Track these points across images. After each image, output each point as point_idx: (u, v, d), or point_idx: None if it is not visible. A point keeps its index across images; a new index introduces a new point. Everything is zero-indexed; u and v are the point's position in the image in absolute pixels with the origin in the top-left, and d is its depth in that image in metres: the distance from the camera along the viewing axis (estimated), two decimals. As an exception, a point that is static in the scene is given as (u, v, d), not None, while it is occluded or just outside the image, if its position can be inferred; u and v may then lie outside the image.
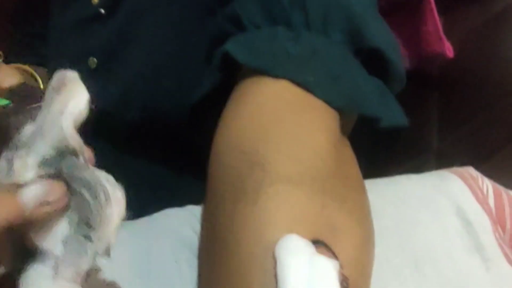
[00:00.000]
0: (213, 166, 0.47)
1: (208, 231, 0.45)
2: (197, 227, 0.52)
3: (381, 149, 0.61)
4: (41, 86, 0.73)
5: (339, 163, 0.46)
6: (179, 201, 0.57)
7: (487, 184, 0.59)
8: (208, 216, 0.46)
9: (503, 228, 0.59)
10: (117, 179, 0.38)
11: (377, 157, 0.60)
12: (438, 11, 0.69)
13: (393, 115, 0.51)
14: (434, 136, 0.77)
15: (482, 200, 0.56)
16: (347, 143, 0.50)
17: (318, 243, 0.40)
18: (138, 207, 0.55)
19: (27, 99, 0.63)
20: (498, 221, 0.58)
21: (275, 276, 0.38)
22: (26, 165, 0.35)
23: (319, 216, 0.41)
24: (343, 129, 0.49)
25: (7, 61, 0.73)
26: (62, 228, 0.36)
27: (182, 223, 0.54)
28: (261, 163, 0.42)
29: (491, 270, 0.50)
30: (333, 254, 0.40)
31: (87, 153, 0.38)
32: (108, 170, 0.38)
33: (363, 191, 0.48)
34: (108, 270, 0.44)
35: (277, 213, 0.41)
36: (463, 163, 0.61)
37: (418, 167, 0.78)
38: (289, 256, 0.38)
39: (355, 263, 0.41)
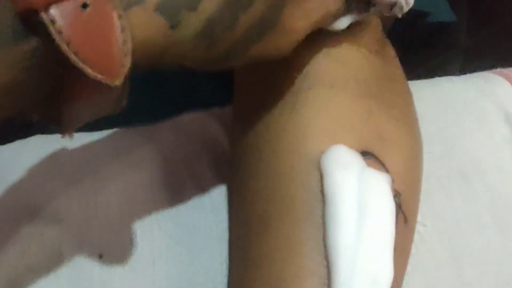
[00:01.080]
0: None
1: (239, 140, 0.40)
2: (222, 132, 0.47)
3: (406, 46, 0.56)
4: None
5: (383, 63, 0.41)
6: (202, 104, 0.51)
7: (532, 86, 0.54)
8: (238, 122, 0.41)
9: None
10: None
11: (402, 54, 0.54)
12: None
13: (440, 10, 0.46)
14: (462, 34, 0.72)
15: (530, 105, 0.51)
16: (387, 42, 0.44)
17: (368, 155, 0.35)
18: (156, 111, 0.50)
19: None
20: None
21: (322, 192, 0.33)
22: None
23: (366, 124, 0.36)
24: (384, 27, 0.43)
25: None
26: None
27: (206, 126, 0.48)
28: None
29: (543, 183, 0.46)
30: (384, 167, 0.35)
31: None
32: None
33: (409, 95, 0.43)
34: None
35: (319, 120, 0.36)
36: (490, 63, 0.56)
37: (443, 65, 0.74)
38: (338, 170, 0.33)
39: (406, 177, 0.37)
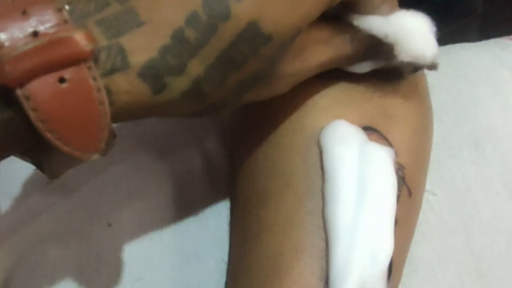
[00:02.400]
0: None
1: (240, 118, 0.40)
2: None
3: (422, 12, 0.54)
4: None
5: None
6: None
7: (550, 53, 0.52)
8: None
9: None
10: None
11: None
12: None
13: None
14: (479, 0, 0.70)
15: (546, 72, 0.50)
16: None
17: (370, 130, 0.35)
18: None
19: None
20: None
21: (321, 168, 0.33)
22: None
23: (370, 101, 0.36)
24: None
25: None
26: None
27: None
28: None
29: (558, 150, 0.45)
30: (387, 142, 0.35)
31: None
32: None
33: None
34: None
35: (320, 97, 0.35)
36: (506, 29, 0.54)
37: (460, 31, 0.72)
38: (337, 145, 0.33)
39: (411, 150, 0.36)
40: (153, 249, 0.39)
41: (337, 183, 0.31)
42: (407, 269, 0.37)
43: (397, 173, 0.33)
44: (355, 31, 0.32)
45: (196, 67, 0.26)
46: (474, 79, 0.48)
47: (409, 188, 0.33)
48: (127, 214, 0.41)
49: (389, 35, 0.32)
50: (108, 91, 0.25)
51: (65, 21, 0.24)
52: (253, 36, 0.26)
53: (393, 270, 0.31)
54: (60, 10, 0.24)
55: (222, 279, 0.38)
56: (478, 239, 0.40)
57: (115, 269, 0.39)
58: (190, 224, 0.40)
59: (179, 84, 0.26)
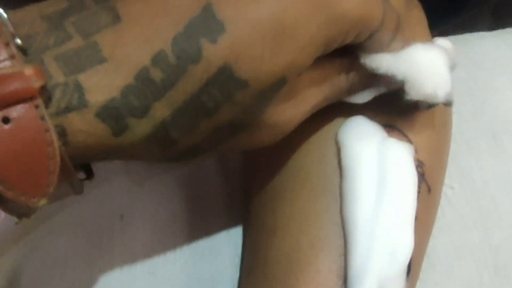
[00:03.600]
0: None
1: None
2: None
3: (434, 1, 0.53)
4: None
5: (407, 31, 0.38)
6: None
7: None
8: None
9: None
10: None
11: (430, 10, 0.52)
12: None
13: None
14: (494, -12, 0.69)
15: None
16: (416, 3, 0.42)
17: (389, 127, 0.34)
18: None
19: None
20: None
21: (339, 165, 0.32)
22: None
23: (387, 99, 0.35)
24: None
25: None
26: None
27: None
28: None
29: None
30: (407, 138, 0.34)
31: None
32: None
33: None
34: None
35: None
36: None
37: (472, 20, 0.71)
38: (356, 141, 0.32)
39: (431, 147, 0.35)
40: (166, 242, 0.39)
41: (356, 180, 0.30)
42: (424, 264, 0.37)
43: (416, 170, 0.32)
44: (357, 67, 0.30)
45: (161, 110, 0.24)
46: (492, 69, 0.47)
47: (428, 184, 0.33)
48: (140, 206, 0.40)
49: (398, 75, 0.29)
50: (63, 131, 0.23)
51: (13, 56, 0.22)
52: (226, 81, 0.24)
53: (412, 267, 0.31)
54: (7, 44, 0.22)
55: (236, 273, 0.38)
56: (496, 233, 0.40)
57: (127, 262, 0.38)
58: (203, 218, 0.40)
59: (142, 127, 0.24)
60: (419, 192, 0.32)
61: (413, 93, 0.30)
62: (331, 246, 0.30)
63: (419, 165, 0.33)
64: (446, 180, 0.40)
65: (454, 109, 0.42)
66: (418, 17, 0.36)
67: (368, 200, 0.30)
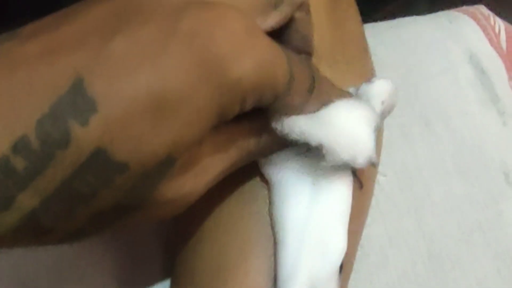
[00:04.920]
0: None
1: None
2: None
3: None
4: None
5: (335, 24, 0.37)
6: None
7: (499, 24, 0.52)
8: None
9: (514, 74, 0.54)
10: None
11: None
12: None
13: None
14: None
15: (496, 44, 0.49)
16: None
17: None
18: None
19: None
20: (510, 66, 0.52)
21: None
22: None
23: None
24: None
25: None
26: None
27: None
28: None
29: (507, 124, 0.45)
30: None
31: None
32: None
33: (365, 52, 0.40)
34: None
35: None
36: (455, 1, 0.53)
37: (410, 3, 0.71)
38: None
39: None
40: None
41: (287, 181, 0.29)
42: (358, 254, 0.36)
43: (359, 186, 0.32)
44: (270, 129, 0.26)
45: (28, 200, 0.21)
46: (424, 54, 0.47)
47: (360, 180, 0.32)
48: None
49: (312, 141, 0.25)
50: None
51: None
52: (102, 166, 0.21)
53: (344, 263, 0.30)
54: None
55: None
56: (430, 220, 0.40)
57: None
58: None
59: (8, 219, 0.21)
60: None
61: (330, 159, 0.26)
62: (260, 248, 0.29)
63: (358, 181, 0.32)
64: (380, 168, 0.40)
65: (388, 96, 0.42)
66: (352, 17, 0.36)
67: (301, 201, 0.29)
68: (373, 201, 0.39)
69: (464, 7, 0.51)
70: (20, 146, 0.20)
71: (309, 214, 0.28)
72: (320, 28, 0.35)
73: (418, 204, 0.40)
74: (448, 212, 0.40)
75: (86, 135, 0.20)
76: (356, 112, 0.26)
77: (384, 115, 0.29)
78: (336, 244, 0.28)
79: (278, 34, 0.25)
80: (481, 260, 0.39)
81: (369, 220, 0.38)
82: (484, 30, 0.49)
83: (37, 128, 0.20)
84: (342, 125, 0.26)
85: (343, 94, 0.28)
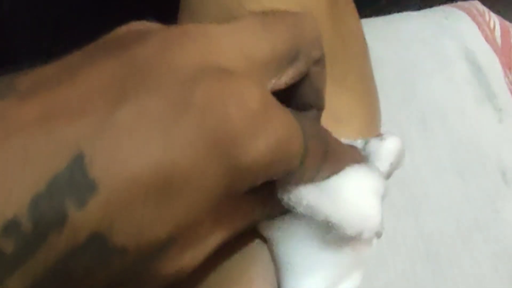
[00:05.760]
0: (184, 14, 0.38)
1: None
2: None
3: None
4: None
5: (335, 20, 0.37)
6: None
7: (494, 20, 0.51)
8: None
9: (510, 69, 0.54)
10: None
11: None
12: None
13: None
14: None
15: (491, 40, 0.49)
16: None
17: None
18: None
19: None
20: (506, 62, 0.52)
21: None
22: None
23: None
24: None
25: None
26: None
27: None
28: None
29: (504, 122, 0.45)
30: None
31: None
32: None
33: (364, 52, 0.39)
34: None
35: None
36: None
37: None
38: None
39: None
40: None
41: None
42: (357, 255, 0.37)
43: None
44: (275, 200, 0.24)
45: (17, 284, 0.19)
46: (421, 51, 0.47)
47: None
48: None
49: (319, 215, 0.24)
50: None
51: None
52: (99, 250, 0.20)
53: None
54: None
55: None
56: (427, 219, 0.40)
57: None
58: None
59: None
60: None
61: (336, 233, 0.25)
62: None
63: None
64: (378, 168, 0.40)
65: (384, 94, 0.42)
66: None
67: (306, 267, 0.27)
68: (371, 201, 0.39)
69: (459, 2, 0.51)
70: (10, 229, 0.18)
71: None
72: (321, 24, 0.34)
73: (415, 203, 0.40)
74: (445, 211, 0.40)
75: (83, 218, 0.19)
76: (366, 182, 0.25)
77: (389, 175, 0.28)
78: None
79: (291, 87, 0.24)
80: (478, 258, 0.39)
81: (367, 220, 0.38)
82: (480, 26, 0.49)
83: (30, 208, 0.18)
84: (351, 200, 0.24)
85: (354, 158, 0.26)
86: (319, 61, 0.25)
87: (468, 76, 0.46)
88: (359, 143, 0.28)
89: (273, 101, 0.21)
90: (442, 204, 0.41)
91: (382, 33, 0.47)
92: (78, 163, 0.18)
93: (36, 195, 0.18)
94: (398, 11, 0.51)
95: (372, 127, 0.36)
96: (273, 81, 0.22)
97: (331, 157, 0.24)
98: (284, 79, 0.23)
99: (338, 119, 0.33)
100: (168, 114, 0.19)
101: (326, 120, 0.33)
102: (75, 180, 0.18)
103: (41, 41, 0.49)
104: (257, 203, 0.24)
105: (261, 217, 0.25)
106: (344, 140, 0.27)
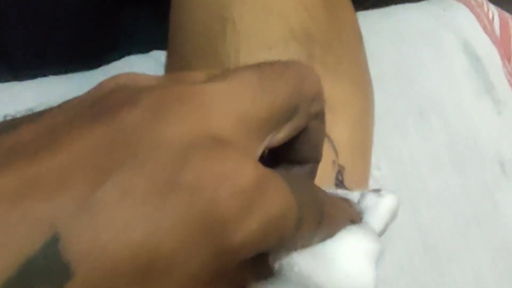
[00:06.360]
0: (175, 13, 0.37)
1: None
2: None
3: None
4: None
5: (330, 9, 0.37)
6: (142, 47, 0.48)
7: (492, 11, 0.51)
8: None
9: (508, 60, 0.53)
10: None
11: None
12: None
13: None
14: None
15: (490, 31, 0.49)
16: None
17: None
18: (93, 56, 0.47)
19: None
20: (504, 53, 0.51)
21: None
22: None
23: None
24: None
25: None
26: None
27: (146, 71, 0.45)
28: (232, 19, 0.33)
29: (503, 113, 0.44)
30: (328, 139, 0.32)
31: None
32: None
33: (358, 38, 0.39)
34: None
35: None
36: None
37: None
38: None
39: (353, 143, 0.33)
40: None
41: None
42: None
43: (336, 178, 0.31)
44: (265, 266, 0.23)
45: None
46: (418, 43, 0.46)
47: (347, 190, 0.31)
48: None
49: (311, 283, 0.23)
50: None
51: None
52: None
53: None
54: None
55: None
56: (425, 213, 0.40)
57: None
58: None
59: None
60: None
61: None
62: None
63: (340, 171, 0.31)
64: (374, 161, 0.40)
65: (381, 87, 0.41)
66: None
67: None
68: (368, 195, 0.38)
69: (458, -6, 0.50)
70: None
71: None
72: (315, 13, 0.34)
73: (413, 196, 0.40)
74: (443, 204, 0.40)
75: None
76: (361, 247, 0.24)
77: (383, 233, 0.27)
78: None
79: (287, 143, 0.23)
80: (477, 252, 0.39)
81: (363, 215, 0.37)
82: (478, 17, 0.48)
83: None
84: (345, 268, 0.23)
85: (350, 217, 0.25)
86: (319, 115, 0.24)
87: (466, 68, 0.45)
88: (355, 196, 0.26)
89: (267, 175, 0.19)
90: (439, 197, 0.40)
91: (379, 25, 0.47)
92: (52, 245, 0.17)
93: (6, 281, 0.17)
94: (396, 3, 0.50)
95: (366, 116, 0.36)
96: (269, 138, 0.21)
97: (326, 220, 0.23)
98: (281, 136, 0.22)
99: (331, 108, 0.32)
100: (154, 195, 0.17)
101: None
102: (49, 264, 0.17)
103: (33, 41, 0.49)
104: (246, 267, 0.22)
105: (249, 281, 0.24)
106: (340, 191, 0.26)
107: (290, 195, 0.20)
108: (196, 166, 0.17)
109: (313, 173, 0.25)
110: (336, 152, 0.31)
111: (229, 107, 0.19)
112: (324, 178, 0.31)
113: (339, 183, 0.30)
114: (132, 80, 0.20)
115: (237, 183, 0.18)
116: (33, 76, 0.43)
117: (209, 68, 0.34)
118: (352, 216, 0.25)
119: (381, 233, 0.26)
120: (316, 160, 0.25)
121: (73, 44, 0.45)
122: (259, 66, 0.21)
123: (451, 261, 0.38)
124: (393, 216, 0.26)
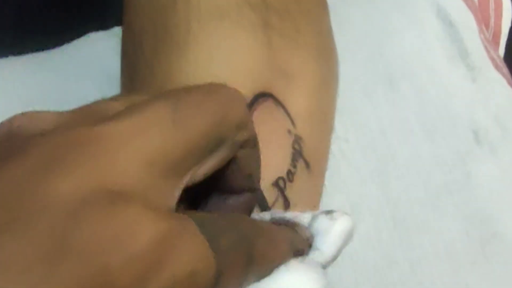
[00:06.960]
0: None
1: (127, 84, 0.35)
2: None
3: None
4: None
5: None
6: (103, 23, 0.46)
7: (470, -25, 0.49)
8: (127, 64, 0.35)
9: (487, 27, 0.51)
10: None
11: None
12: None
13: None
14: None
15: (465, -4, 0.47)
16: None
17: (264, 97, 0.31)
18: (51, 34, 0.45)
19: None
20: (482, 19, 0.49)
21: None
22: None
23: (265, 61, 0.31)
24: None
25: None
26: None
27: (107, 50, 0.44)
28: None
29: (477, 81, 0.42)
30: (283, 109, 0.31)
31: None
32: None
33: (322, 7, 0.37)
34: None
35: (208, 64, 0.31)
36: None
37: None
38: None
39: (311, 116, 0.32)
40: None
41: None
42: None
43: (293, 147, 0.30)
44: None
45: None
46: (389, 9, 0.44)
47: (306, 161, 0.30)
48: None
49: None
50: None
51: None
52: None
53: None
54: None
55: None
56: (394, 184, 0.38)
57: None
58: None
59: None
60: (294, 172, 0.29)
61: None
62: None
63: (296, 141, 0.30)
64: (341, 133, 0.38)
65: (349, 56, 0.40)
66: None
67: None
68: (334, 169, 0.37)
69: (432, -42, 0.48)
70: None
71: None
72: None
73: (381, 168, 0.38)
74: (413, 174, 0.38)
75: None
76: (301, 285, 0.22)
77: (334, 259, 0.25)
78: None
79: (218, 174, 0.21)
80: (448, 223, 0.37)
81: (330, 188, 0.36)
82: (453, -20, 0.46)
83: None
84: None
85: (292, 250, 0.23)
86: (248, 142, 0.22)
87: (440, 34, 0.43)
88: (305, 218, 0.24)
89: (175, 228, 0.17)
90: (409, 168, 0.39)
91: (348, -8, 0.45)
92: None
93: None
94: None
95: (327, 86, 0.34)
96: (191, 173, 0.19)
97: (258, 259, 0.21)
98: (203, 171, 0.20)
99: (288, 77, 0.31)
100: (39, 263, 0.15)
101: (276, 77, 0.31)
102: None
103: (2, 33, 0.47)
104: None
105: None
106: (289, 214, 0.24)
107: (205, 247, 0.18)
108: (87, 228, 0.16)
109: (251, 202, 0.23)
110: (292, 121, 0.29)
111: (134, 150, 0.17)
112: (279, 148, 0.30)
113: (297, 153, 0.28)
114: (28, 122, 0.18)
115: (131, 248, 0.16)
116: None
117: (158, 42, 0.32)
118: (296, 246, 0.23)
119: (332, 259, 0.24)
120: (251, 189, 0.23)
121: (25, 21, 0.44)
122: (176, 95, 0.19)
123: (421, 233, 0.37)
124: (347, 240, 0.24)
